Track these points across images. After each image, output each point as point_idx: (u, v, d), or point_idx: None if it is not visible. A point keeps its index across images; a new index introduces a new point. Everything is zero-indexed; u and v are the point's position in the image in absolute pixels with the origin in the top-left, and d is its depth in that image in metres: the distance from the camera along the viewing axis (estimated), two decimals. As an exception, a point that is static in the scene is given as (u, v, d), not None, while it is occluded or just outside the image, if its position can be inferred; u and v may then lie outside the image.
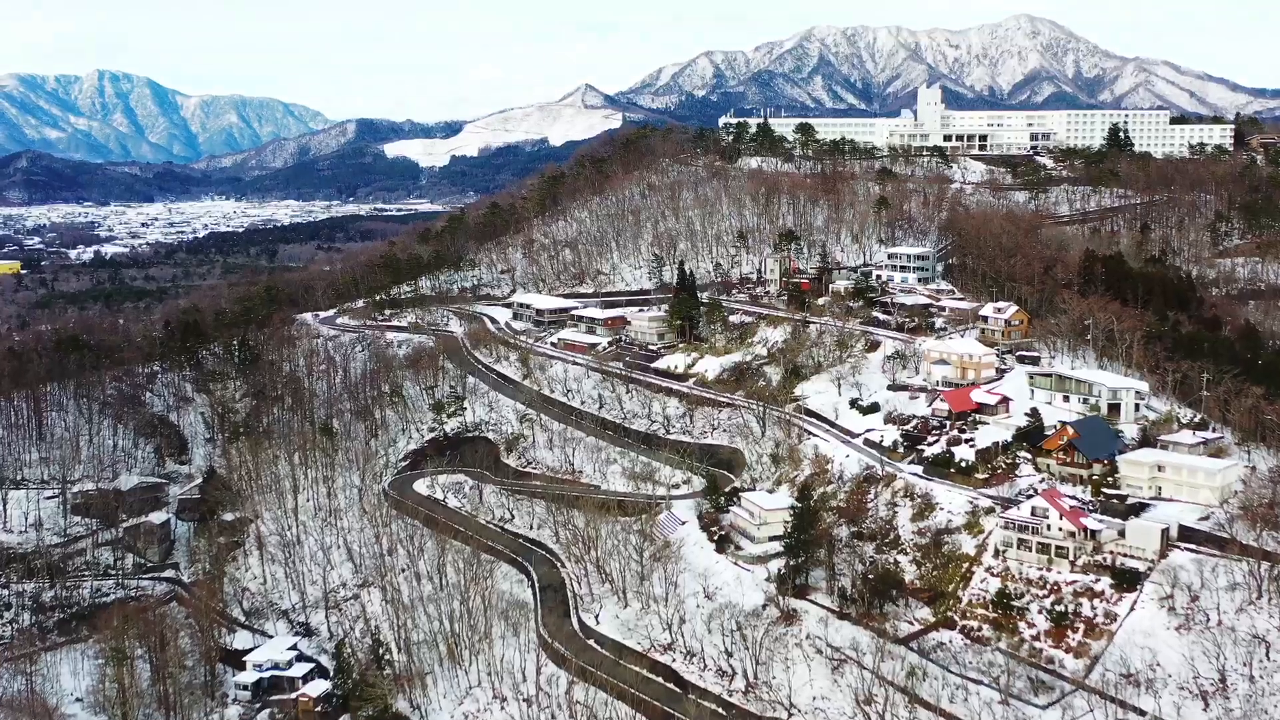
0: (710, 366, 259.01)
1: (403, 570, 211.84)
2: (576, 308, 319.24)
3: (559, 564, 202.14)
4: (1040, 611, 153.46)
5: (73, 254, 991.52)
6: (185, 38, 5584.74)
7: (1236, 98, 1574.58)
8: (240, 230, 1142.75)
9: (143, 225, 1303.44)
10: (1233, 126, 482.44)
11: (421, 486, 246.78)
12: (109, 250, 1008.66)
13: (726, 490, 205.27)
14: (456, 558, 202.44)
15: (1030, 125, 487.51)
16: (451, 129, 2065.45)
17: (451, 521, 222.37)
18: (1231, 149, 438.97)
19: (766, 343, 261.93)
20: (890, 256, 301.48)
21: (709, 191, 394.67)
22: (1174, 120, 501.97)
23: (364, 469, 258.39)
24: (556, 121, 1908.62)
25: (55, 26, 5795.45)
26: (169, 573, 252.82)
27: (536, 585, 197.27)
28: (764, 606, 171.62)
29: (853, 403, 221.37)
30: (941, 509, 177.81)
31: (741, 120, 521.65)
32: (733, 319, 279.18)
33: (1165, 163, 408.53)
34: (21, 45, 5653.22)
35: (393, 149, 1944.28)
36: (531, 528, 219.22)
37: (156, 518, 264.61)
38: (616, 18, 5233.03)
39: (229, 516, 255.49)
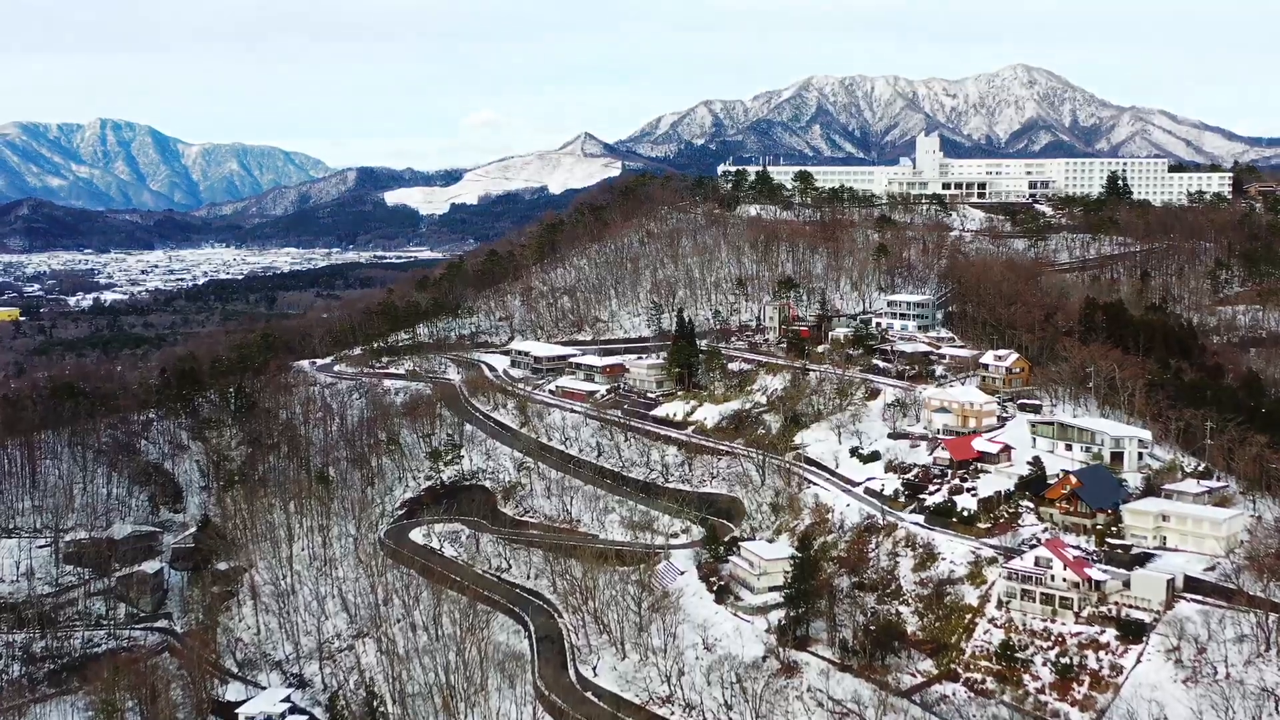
0: (709, 414, 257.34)
1: (398, 621, 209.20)
2: (575, 355, 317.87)
3: (556, 614, 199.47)
4: (1045, 663, 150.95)
5: (72, 301, 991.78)
6: (187, 86, 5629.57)
7: (1233, 146, 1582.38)
8: (240, 277, 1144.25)
9: (142, 272, 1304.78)
10: (1231, 174, 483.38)
11: (418, 535, 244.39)
12: (108, 297, 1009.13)
13: (726, 540, 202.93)
14: (452, 608, 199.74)
15: (1029, 173, 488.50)
16: (451, 177, 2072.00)
17: (448, 571, 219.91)
18: (1230, 197, 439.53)
19: (766, 390, 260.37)
20: (890, 304, 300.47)
21: (708, 239, 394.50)
22: (1172, 168, 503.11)
23: (360, 517, 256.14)
24: (556, 169, 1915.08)
25: (58, 75, 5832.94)
26: (161, 623, 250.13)
27: (533, 636, 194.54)
28: (764, 658, 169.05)
29: (853, 451, 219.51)
30: (943, 559, 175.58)
31: (740, 168, 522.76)
32: (732, 366, 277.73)
33: (1164, 210, 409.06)
34: (24, 93, 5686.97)
35: (393, 197, 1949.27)
36: (529, 577, 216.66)
37: (150, 567, 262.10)
38: (617, 67, 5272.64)
39: (223, 566, 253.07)
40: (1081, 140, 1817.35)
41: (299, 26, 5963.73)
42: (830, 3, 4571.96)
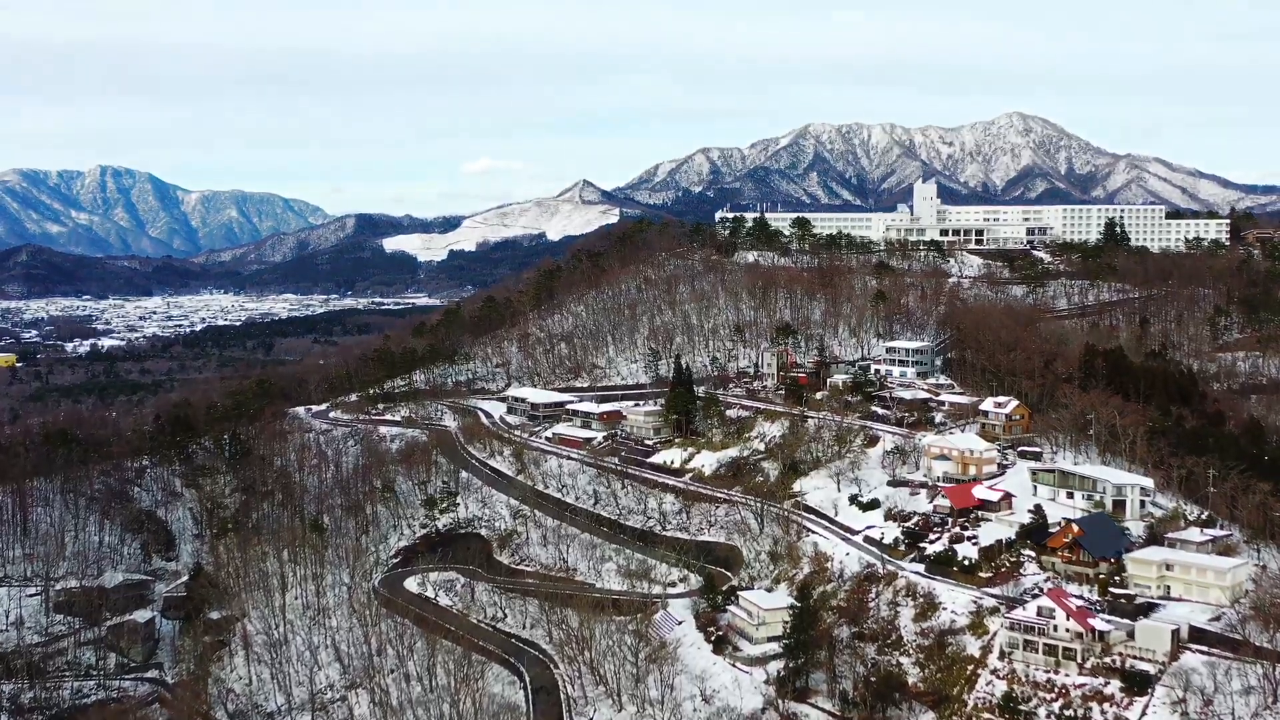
0: (707, 462, 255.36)
1: (392, 671, 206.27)
2: (571, 402, 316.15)
3: (552, 665, 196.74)
4: (1049, 715, 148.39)
5: (69, 347, 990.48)
6: (188, 134, 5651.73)
7: (1228, 194, 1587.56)
8: (237, 324, 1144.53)
9: (140, 319, 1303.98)
10: (1228, 221, 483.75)
11: (412, 584, 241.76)
12: (105, 343, 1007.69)
13: (724, 589, 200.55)
14: (447, 658, 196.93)
15: (1026, 220, 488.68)
16: (450, 224, 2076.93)
17: (442, 620, 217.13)
18: (1228, 243, 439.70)
19: (764, 437, 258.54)
20: (888, 350, 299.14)
21: (705, 285, 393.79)
22: (1169, 215, 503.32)
23: (354, 566, 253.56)
24: (554, 216, 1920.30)
25: (59, 122, 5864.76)
26: (152, 673, 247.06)
27: (529, 687, 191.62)
28: (763, 710, 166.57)
29: (852, 499, 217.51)
30: (944, 608, 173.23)
31: (738, 215, 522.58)
32: (730, 413, 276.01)
33: (1162, 257, 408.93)
34: (25, 140, 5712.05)
35: (391, 243, 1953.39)
36: (524, 627, 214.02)
37: (141, 616, 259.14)
38: (616, 116, 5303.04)
39: (215, 615, 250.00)
40: (1077, 187, 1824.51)
41: (299, 75, 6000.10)
42: (828, 53, 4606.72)
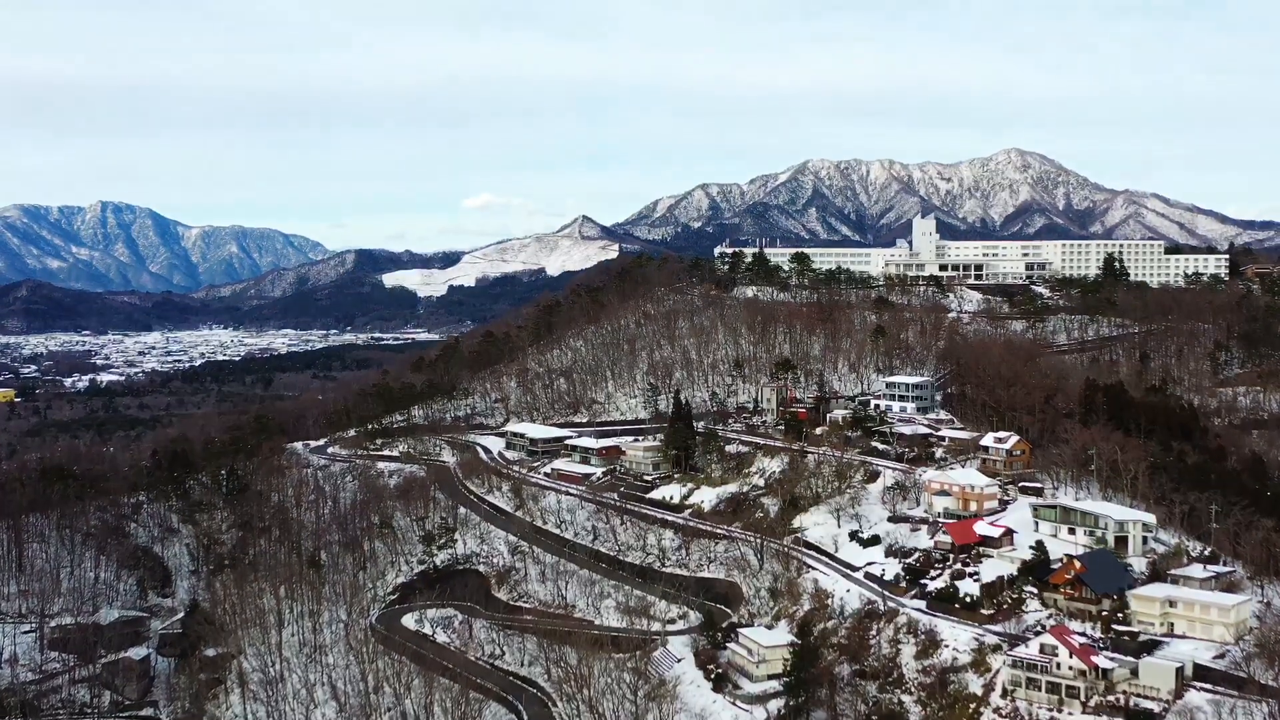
0: (706, 497, 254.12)
1: (388, 709, 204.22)
2: (570, 437, 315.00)
3: (551, 703, 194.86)
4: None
5: (68, 382, 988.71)
6: (188, 170, 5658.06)
7: (1225, 229, 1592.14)
8: (236, 359, 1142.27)
9: (139, 354, 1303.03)
10: (1227, 256, 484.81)
11: (410, 621, 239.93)
12: (104, 378, 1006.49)
13: (724, 626, 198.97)
14: (444, 696, 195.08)
15: (1025, 255, 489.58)
16: (449, 259, 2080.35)
17: (440, 658, 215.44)
18: (1227, 279, 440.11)
19: (764, 473, 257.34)
20: (888, 385, 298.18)
21: (704, 320, 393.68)
22: (1168, 250, 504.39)
23: (351, 603, 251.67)
24: (553, 252, 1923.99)
25: (61, 158, 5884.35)
26: (147, 711, 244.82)
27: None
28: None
29: (853, 535, 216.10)
30: (946, 646, 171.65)
31: (737, 250, 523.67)
32: (729, 449, 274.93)
33: (1161, 292, 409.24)
34: (27, 176, 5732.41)
35: (391, 279, 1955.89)
36: (522, 664, 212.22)
37: (136, 653, 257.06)
38: (616, 152, 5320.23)
39: (211, 652, 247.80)
40: (1076, 223, 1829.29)
41: (301, 111, 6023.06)
42: (826, 89, 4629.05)
